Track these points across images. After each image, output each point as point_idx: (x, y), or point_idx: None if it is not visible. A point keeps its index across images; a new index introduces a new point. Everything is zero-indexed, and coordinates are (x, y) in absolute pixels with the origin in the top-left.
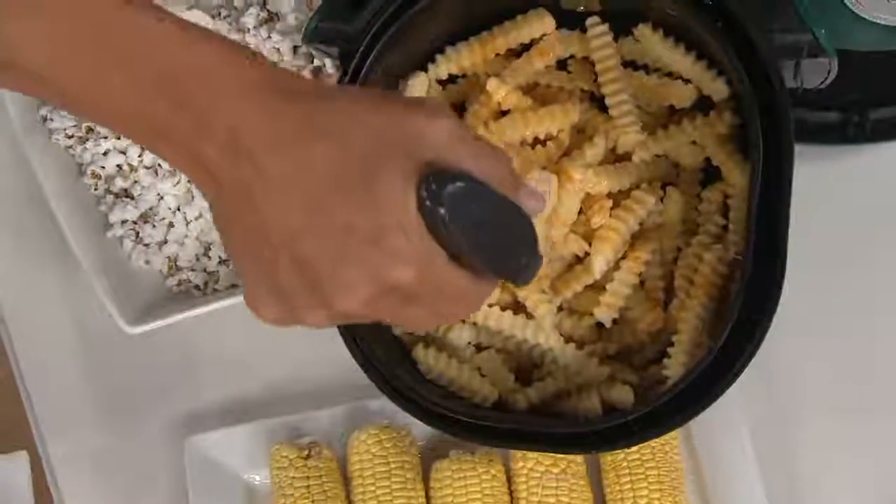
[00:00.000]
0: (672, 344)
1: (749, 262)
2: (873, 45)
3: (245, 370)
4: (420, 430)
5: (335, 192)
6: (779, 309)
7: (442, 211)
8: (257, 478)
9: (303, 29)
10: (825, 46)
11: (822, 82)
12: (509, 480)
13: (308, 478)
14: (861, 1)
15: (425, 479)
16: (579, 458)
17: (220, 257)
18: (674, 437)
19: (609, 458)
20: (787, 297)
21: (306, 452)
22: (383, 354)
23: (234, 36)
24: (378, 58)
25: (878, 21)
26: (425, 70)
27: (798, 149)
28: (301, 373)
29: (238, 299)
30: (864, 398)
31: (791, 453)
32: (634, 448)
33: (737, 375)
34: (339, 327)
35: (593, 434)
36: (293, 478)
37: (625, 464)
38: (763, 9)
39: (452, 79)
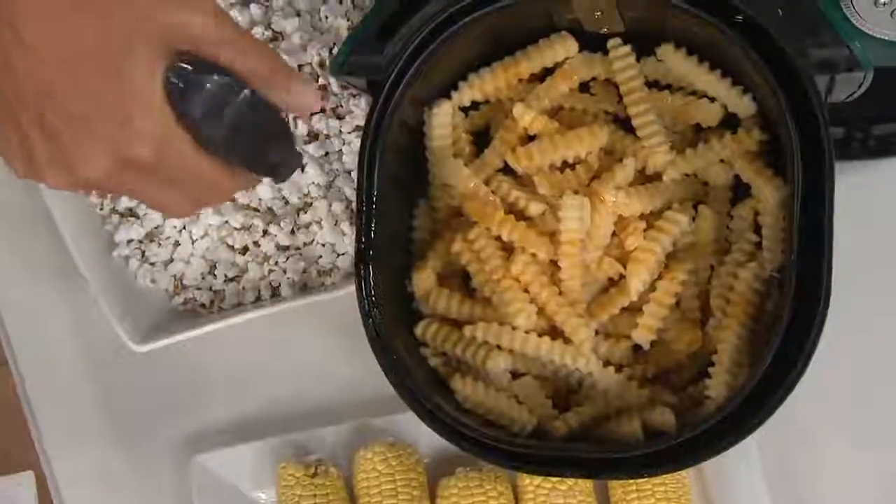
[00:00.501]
0: (710, 363)
1: (793, 279)
2: (878, 62)
3: (251, 388)
4: (426, 447)
5: (89, 65)
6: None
7: (190, 107)
8: (263, 496)
9: (328, 63)
10: (862, 60)
11: (850, 96)
12: (516, 497)
13: (315, 496)
14: (863, 17)
15: (432, 497)
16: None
17: (226, 276)
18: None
19: None
20: None
21: (313, 470)
22: (422, 383)
23: None
24: (407, 87)
25: (881, 37)
26: (450, 97)
27: None
28: (307, 391)
29: (245, 317)
30: (871, 417)
31: (799, 471)
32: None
33: (787, 393)
34: (378, 360)
35: (638, 458)
36: (300, 496)
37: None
38: (797, 25)
39: (475, 105)
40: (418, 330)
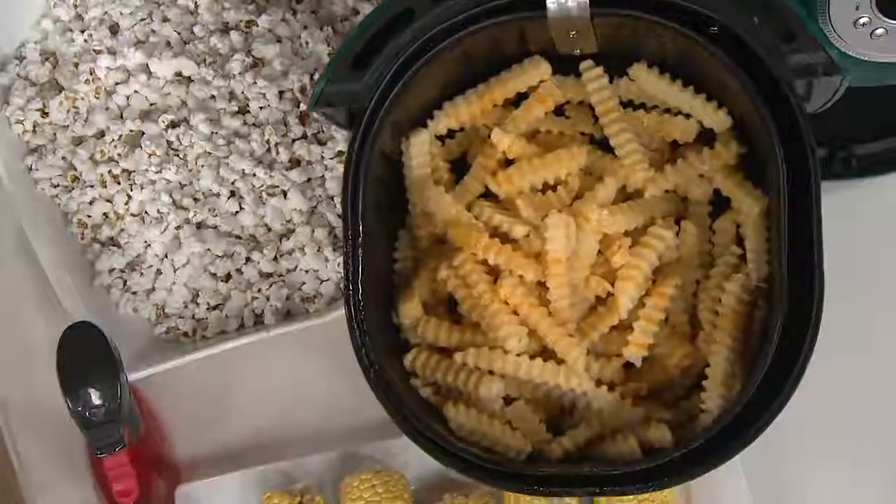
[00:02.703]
0: (703, 377)
1: (784, 290)
2: (859, 82)
3: (235, 417)
4: (413, 474)
5: None
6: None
7: None
8: None
9: (309, 95)
10: (839, 64)
11: (825, 104)
12: None
13: None
14: (845, 38)
15: None
16: (574, 500)
17: (208, 304)
18: None
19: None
20: None
21: (298, 499)
22: (418, 411)
23: (220, 82)
24: (386, 114)
25: (863, 58)
26: (426, 125)
27: None
28: (292, 418)
29: (229, 346)
30: (859, 437)
31: (788, 493)
32: None
33: (785, 401)
34: (373, 389)
35: (637, 473)
36: None
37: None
38: (773, 30)
39: (451, 133)
40: (407, 360)
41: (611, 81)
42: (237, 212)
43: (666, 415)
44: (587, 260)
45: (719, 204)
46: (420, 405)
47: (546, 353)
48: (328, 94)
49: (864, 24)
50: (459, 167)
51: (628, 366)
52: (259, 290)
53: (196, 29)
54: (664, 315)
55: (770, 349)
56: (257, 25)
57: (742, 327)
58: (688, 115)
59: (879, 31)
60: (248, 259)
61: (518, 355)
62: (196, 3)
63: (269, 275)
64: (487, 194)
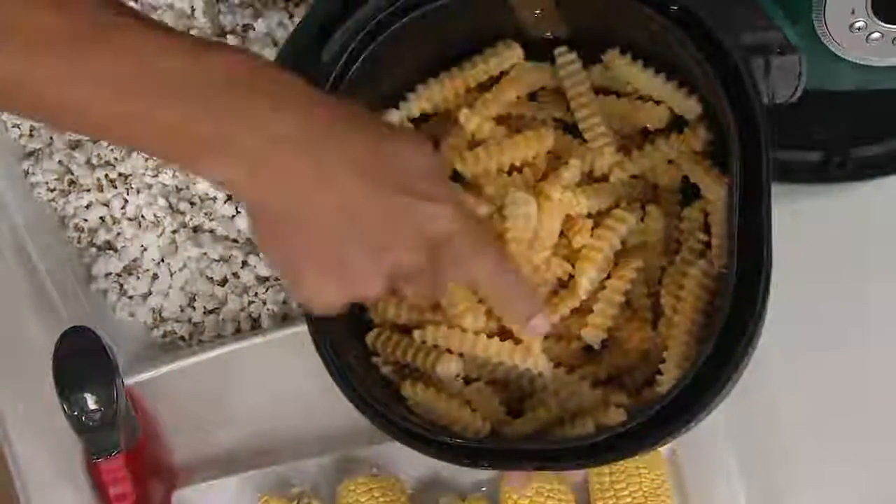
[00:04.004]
0: (664, 362)
1: (733, 268)
2: (854, 86)
3: (231, 421)
4: (410, 478)
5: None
6: (759, 341)
7: None
8: None
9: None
10: (792, 41)
11: (793, 93)
12: None
13: None
14: (840, 41)
15: None
16: (570, 500)
17: (205, 308)
18: (664, 482)
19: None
20: (767, 329)
21: (295, 503)
22: (372, 388)
23: None
24: (352, 92)
25: (858, 61)
26: (398, 108)
27: (779, 188)
28: (288, 423)
29: (225, 350)
30: (857, 438)
31: (781, 488)
32: (626, 492)
33: (728, 382)
34: (327, 367)
35: (586, 447)
36: None
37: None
38: (728, 8)
39: (425, 118)
40: (369, 338)
41: (585, 68)
42: (233, 216)
43: (625, 400)
44: (549, 241)
45: (694, 193)
46: (379, 383)
47: (505, 334)
48: (289, 62)
49: (859, 28)
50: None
51: (588, 349)
52: (255, 294)
53: (193, 33)
54: (624, 298)
55: (722, 320)
56: (254, 29)
57: (702, 312)
58: (660, 103)
59: (875, 34)
60: (244, 263)
61: (476, 334)
62: (193, 6)
63: (266, 279)
64: (456, 177)
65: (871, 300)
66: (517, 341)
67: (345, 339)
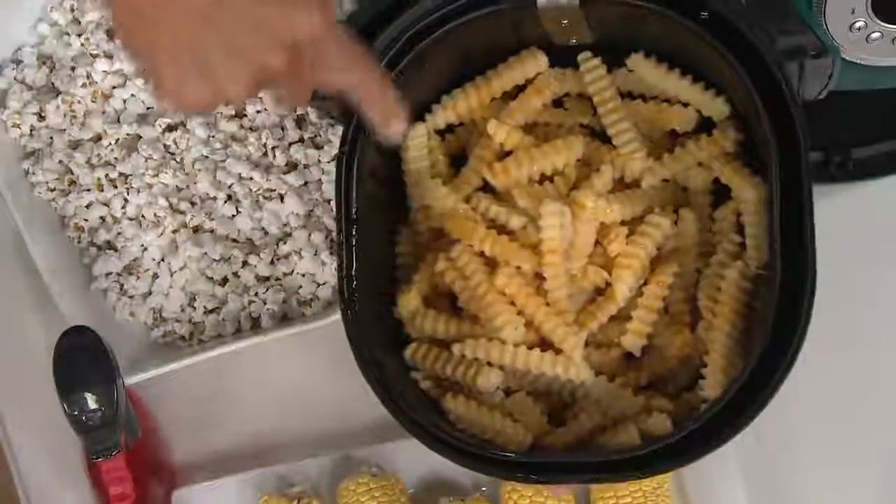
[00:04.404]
0: (705, 366)
1: (778, 271)
2: (855, 86)
3: (232, 421)
4: (410, 477)
5: None
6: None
7: None
8: None
9: None
10: (827, 45)
11: (821, 91)
12: None
13: None
14: (841, 42)
15: None
16: (570, 499)
17: (205, 308)
18: (665, 482)
19: None
20: None
21: (295, 503)
22: (416, 405)
23: None
24: None
25: (860, 62)
26: (424, 119)
27: None
28: (288, 422)
29: (225, 349)
30: (857, 440)
31: (782, 488)
32: (626, 492)
33: (774, 392)
34: (371, 384)
35: (634, 460)
36: None
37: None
38: (762, 13)
39: (451, 128)
40: (407, 353)
41: (609, 72)
42: (234, 215)
43: (668, 405)
44: (584, 249)
45: (724, 194)
46: (419, 398)
47: (545, 345)
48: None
49: (859, 28)
50: (460, 162)
51: (629, 356)
52: (256, 294)
53: None
54: (662, 304)
55: (765, 332)
56: None
57: (742, 314)
58: (687, 105)
59: (875, 34)
60: (244, 263)
61: (516, 346)
62: None
63: (266, 278)
64: (486, 187)
65: (872, 300)
66: (557, 352)
67: (382, 353)
